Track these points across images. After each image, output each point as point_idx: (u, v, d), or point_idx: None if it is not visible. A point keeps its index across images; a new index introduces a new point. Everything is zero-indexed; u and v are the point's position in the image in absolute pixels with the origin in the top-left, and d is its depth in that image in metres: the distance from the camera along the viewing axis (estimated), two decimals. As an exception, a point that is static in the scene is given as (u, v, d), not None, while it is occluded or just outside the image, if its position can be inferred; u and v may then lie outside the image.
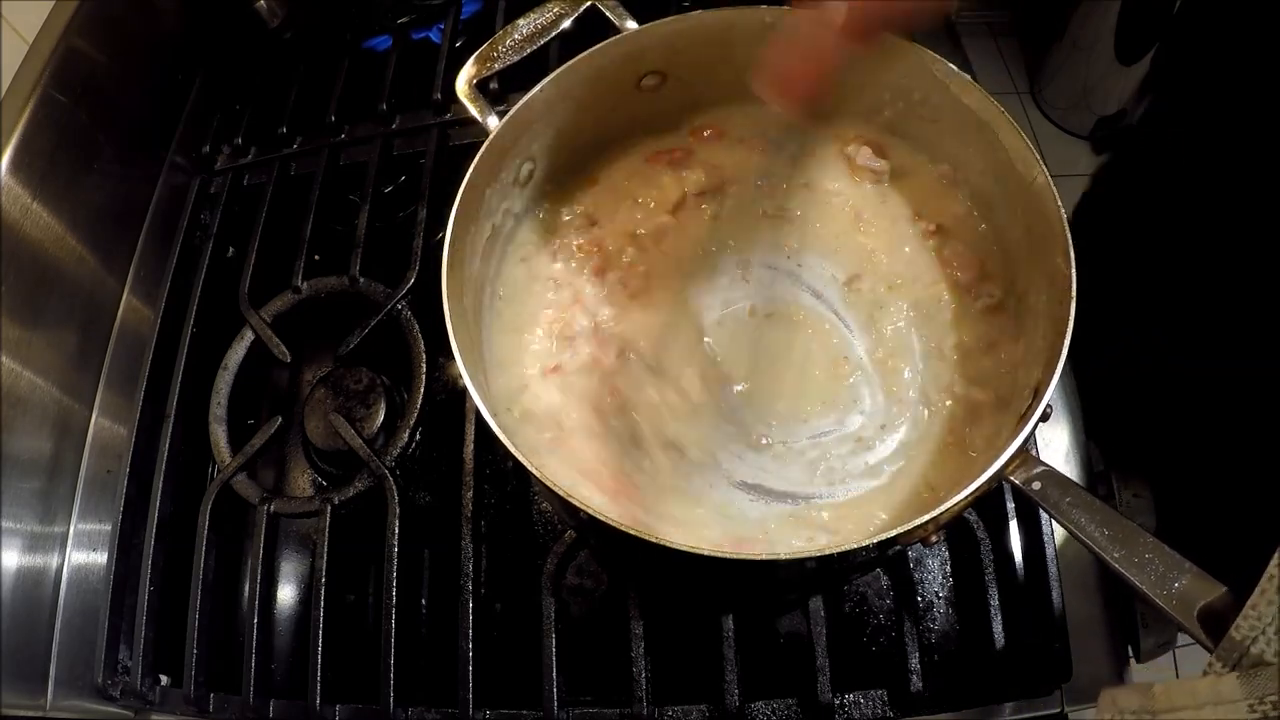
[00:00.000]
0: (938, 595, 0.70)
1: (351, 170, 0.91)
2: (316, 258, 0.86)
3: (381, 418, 0.76)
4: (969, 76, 0.61)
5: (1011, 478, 0.49)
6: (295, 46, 1.02)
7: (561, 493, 0.50)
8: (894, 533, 0.47)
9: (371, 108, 0.92)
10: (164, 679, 0.74)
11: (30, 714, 0.71)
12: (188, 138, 0.97)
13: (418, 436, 0.75)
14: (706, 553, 0.48)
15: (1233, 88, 0.88)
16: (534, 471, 0.50)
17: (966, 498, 0.48)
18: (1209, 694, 0.39)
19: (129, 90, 0.92)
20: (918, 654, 0.63)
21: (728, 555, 0.49)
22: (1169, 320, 0.98)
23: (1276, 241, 0.80)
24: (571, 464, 0.61)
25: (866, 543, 0.47)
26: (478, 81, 0.65)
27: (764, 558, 0.49)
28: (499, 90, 0.86)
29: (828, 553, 0.47)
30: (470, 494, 0.71)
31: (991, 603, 0.65)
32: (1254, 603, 0.41)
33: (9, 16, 0.82)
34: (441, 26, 0.97)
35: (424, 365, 0.75)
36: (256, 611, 0.71)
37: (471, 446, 0.72)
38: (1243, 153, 0.85)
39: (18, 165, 0.77)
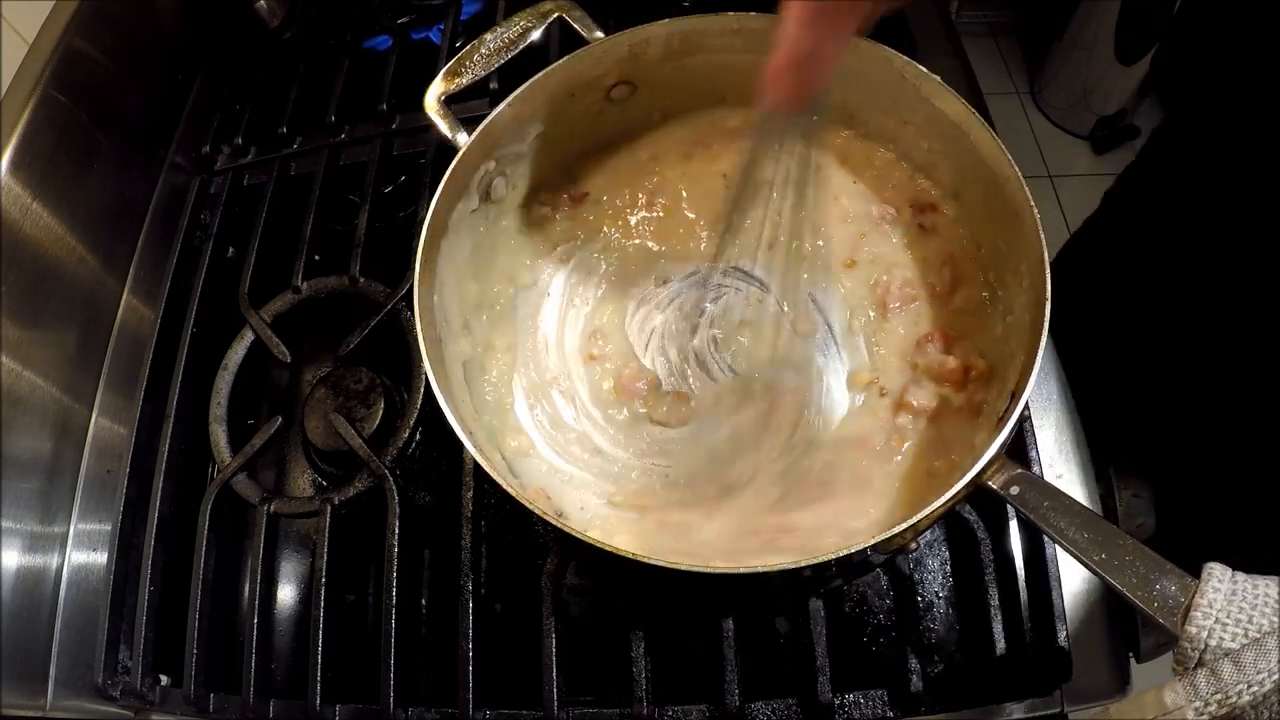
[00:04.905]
0: (938, 595, 0.70)
1: (351, 170, 0.91)
2: (316, 258, 0.86)
3: (381, 418, 0.76)
4: (939, 79, 0.61)
5: (989, 483, 0.49)
6: (295, 46, 1.03)
7: (538, 511, 0.50)
8: (875, 540, 0.47)
9: (371, 108, 0.92)
10: (164, 679, 0.74)
11: (30, 714, 0.71)
12: (188, 138, 0.97)
13: (418, 436, 0.75)
14: (684, 567, 0.48)
15: (1233, 88, 0.88)
16: (510, 490, 0.50)
17: (943, 505, 0.47)
18: (1155, 705, 0.40)
19: (129, 90, 0.92)
20: (918, 654, 0.63)
21: (709, 570, 0.48)
22: (1170, 326, 0.98)
23: (1273, 246, 0.80)
24: None
25: (844, 552, 0.46)
26: (473, 86, 0.65)
27: (742, 570, 0.48)
28: (499, 90, 0.86)
29: (802, 564, 0.47)
30: (470, 494, 0.71)
31: (991, 603, 0.65)
32: (1201, 590, 0.41)
33: (9, 16, 0.82)
34: (441, 27, 0.97)
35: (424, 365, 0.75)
36: (256, 611, 0.71)
37: (471, 446, 0.72)
38: (1243, 155, 0.85)
39: (18, 165, 0.77)
